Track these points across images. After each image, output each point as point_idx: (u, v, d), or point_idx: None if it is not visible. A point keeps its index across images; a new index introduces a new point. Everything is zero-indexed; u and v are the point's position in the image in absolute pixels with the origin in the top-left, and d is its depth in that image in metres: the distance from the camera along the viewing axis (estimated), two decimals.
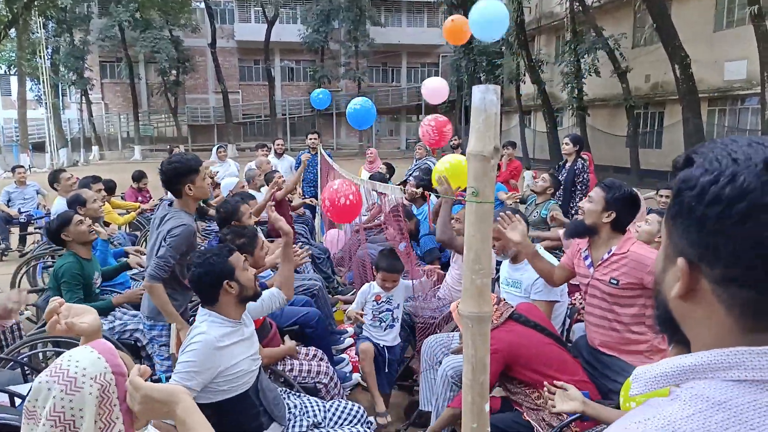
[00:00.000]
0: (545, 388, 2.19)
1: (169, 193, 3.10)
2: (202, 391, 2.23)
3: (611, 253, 2.62)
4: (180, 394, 1.26)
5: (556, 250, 4.93)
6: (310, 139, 8.03)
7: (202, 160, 3.13)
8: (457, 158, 4.02)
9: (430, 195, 5.71)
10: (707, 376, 0.64)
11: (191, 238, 2.95)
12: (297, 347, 3.26)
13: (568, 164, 6.02)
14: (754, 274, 0.62)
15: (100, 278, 3.82)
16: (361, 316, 3.46)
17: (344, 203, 3.65)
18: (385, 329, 3.47)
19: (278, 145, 8.71)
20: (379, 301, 3.48)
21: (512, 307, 2.64)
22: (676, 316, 0.72)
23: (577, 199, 5.85)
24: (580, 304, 3.74)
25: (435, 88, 6.60)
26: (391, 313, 3.49)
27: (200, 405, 2.24)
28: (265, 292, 2.74)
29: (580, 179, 5.86)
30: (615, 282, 2.56)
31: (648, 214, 3.74)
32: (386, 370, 3.41)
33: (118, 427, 1.34)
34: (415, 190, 5.56)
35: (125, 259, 4.32)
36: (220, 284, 2.30)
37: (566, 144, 6.04)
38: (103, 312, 3.53)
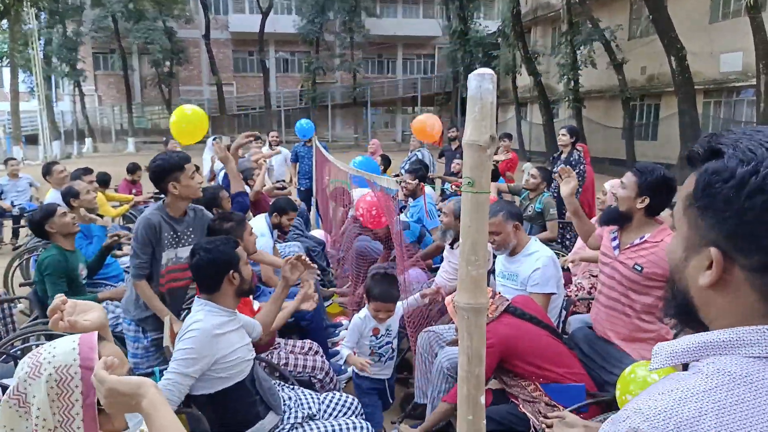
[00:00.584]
0: (542, 423, 2.16)
1: None
2: (201, 380, 2.24)
3: (643, 239, 2.58)
4: (146, 387, 1.21)
5: (552, 242, 4.93)
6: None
7: (190, 157, 3.07)
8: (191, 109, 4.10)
9: (425, 186, 5.70)
10: (728, 352, 0.66)
11: (150, 230, 2.87)
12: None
13: (563, 155, 6.01)
14: None
15: (85, 270, 3.77)
16: (367, 363, 2.87)
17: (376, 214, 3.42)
18: (385, 362, 3.06)
19: (273, 137, 8.68)
20: (378, 335, 3.02)
21: (507, 300, 2.63)
22: (698, 303, 0.74)
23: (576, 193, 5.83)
24: (576, 296, 3.74)
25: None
26: (391, 345, 3.07)
27: (199, 396, 2.27)
28: (248, 318, 2.71)
29: (577, 171, 5.84)
30: (639, 268, 2.53)
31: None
32: (390, 401, 3.09)
33: (77, 423, 1.32)
34: (410, 182, 5.56)
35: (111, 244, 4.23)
36: (225, 273, 2.33)
37: (563, 135, 6.04)
38: None
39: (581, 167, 5.87)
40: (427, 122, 6.74)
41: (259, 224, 4.26)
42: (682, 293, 0.75)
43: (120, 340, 3.41)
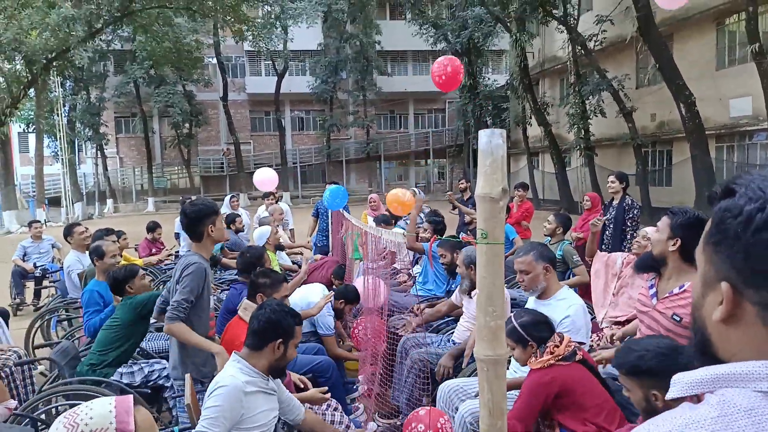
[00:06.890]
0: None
1: (181, 244, 3.17)
2: None
3: (683, 289, 2.49)
4: None
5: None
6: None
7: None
8: None
9: (437, 237, 5.73)
10: (738, 386, 0.67)
11: (204, 276, 2.95)
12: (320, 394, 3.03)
13: (615, 202, 6.04)
14: None
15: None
16: None
17: None
18: None
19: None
20: None
21: (578, 348, 2.56)
22: (715, 340, 0.75)
23: (628, 237, 5.81)
24: (597, 345, 3.67)
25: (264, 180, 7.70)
26: None
27: None
28: (294, 399, 2.71)
29: (630, 216, 5.89)
30: (678, 319, 2.45)
31: None
32: None
33: None
34: (427, 236, 5.62)
35: None
36: (275, 338, 2.37)
37: (612, 182, 6.04)
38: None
39: (635, 212, 5.93)
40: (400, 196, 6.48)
41: (315, 293, 4.46)
42: (701, 330, 0.76)
43: (145, 397, 3.40)
